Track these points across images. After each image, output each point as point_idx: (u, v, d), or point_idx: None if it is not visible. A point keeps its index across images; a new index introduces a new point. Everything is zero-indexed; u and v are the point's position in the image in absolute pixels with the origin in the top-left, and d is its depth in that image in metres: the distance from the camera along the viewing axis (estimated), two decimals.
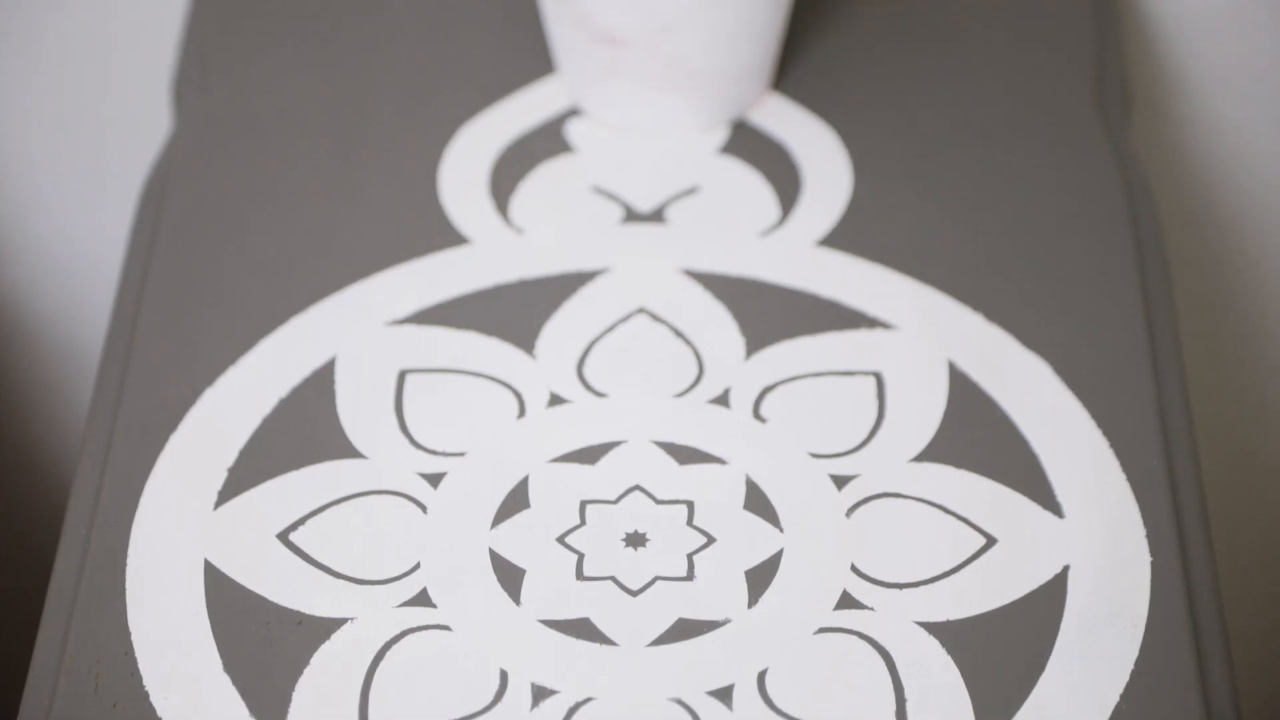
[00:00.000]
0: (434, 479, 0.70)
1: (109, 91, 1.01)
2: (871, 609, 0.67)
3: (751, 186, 0.80)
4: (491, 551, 0.68)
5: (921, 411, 0.72)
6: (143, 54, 1.00)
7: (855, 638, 0.66)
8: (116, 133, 1.02)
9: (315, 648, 0.66)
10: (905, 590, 0.67)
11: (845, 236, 0.78)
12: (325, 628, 0.66)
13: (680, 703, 0.64)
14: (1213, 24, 0.95)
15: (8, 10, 0.98)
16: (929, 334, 0.75)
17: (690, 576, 0.67)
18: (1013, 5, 0.88)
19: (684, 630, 0.66)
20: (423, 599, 0.67)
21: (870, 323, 0.75)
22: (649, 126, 0.81)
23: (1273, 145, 0.99)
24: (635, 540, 0.68)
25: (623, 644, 0.66)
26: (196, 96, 0.84)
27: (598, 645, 0.66)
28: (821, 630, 0.66)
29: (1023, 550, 0.68)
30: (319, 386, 0.73)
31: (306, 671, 0.65)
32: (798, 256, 0.77)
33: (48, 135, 1.03)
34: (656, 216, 0.79)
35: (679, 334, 0.75)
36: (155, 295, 0.76)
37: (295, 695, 0.65)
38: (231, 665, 0.65)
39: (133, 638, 0.66)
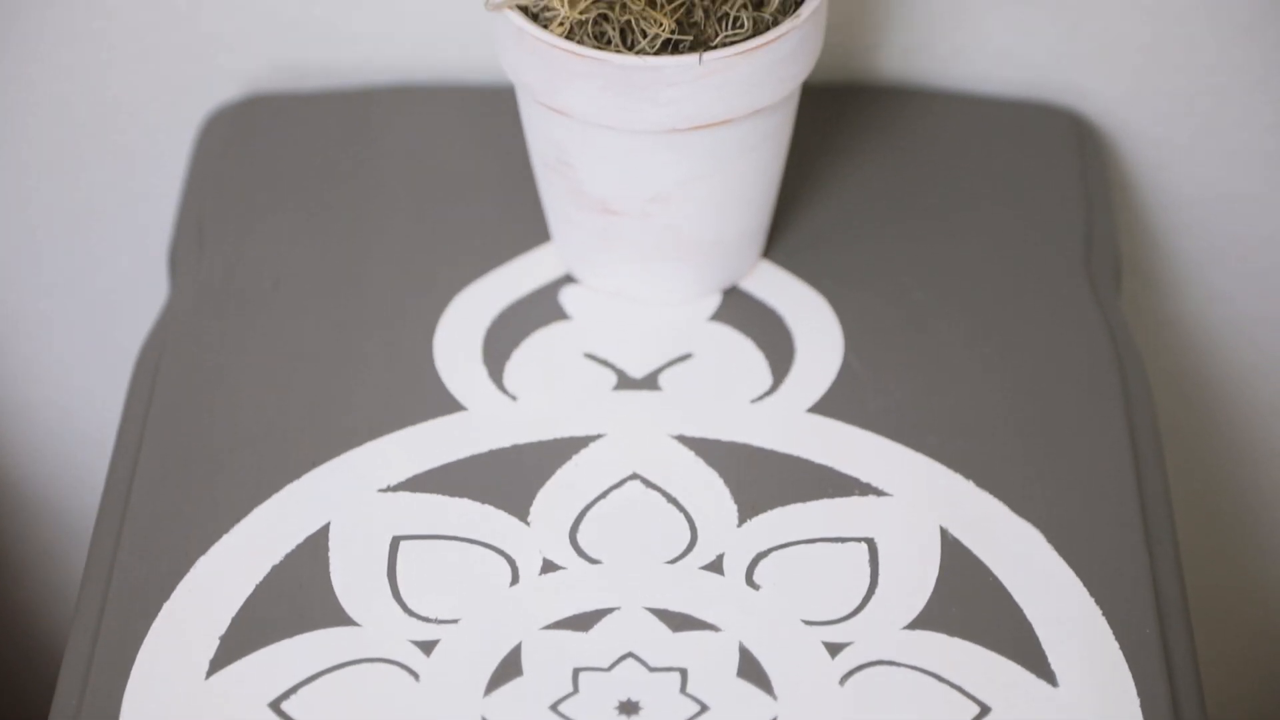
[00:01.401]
0: (426, 646, 0.70)
1: (106, 260, 1.02)
2: None
3: (744, 353, 0.81)
4: None
5: (914, 579, 0.72)
6: (140, 224, 1.01)
7: None
8: (113, 301, 1.03)
9: None
10: None
11: (837, 403, 0.78)
12: None
13: None
14: (1201, 196, 0.97)
15: (6, 180, 0.99)
16: (921, 501, 0.75)
17: None
18: (1002, 174, 0.89)
19: None
20: None
21: (862, 489, 0.75)
22: (642, 294, 0.82)
23: (1262, 314, 1.00)
24: (629, 708, 0.68)
25: None
26: (193, 265, 0.85)
27: None
28: None
29: (1017, 719, 0.68)
30: (312, 553, 0.73)
31: None
32: (790, 423, 0.78)
33: (45, 303, 1.03)
34: (650, 383, 0.79)
35: (672, 500, 0.75)
36: (150, 462, 0.77)
37: None
38: None
39: None
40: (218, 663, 0.70)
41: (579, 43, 0.73)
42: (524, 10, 0.74)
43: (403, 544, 0.73)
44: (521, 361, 0.80)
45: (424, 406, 0.78)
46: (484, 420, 0.78)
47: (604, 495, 0.75)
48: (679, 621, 0.71)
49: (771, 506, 0.75)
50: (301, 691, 0.69)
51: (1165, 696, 0.69)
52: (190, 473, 0.76)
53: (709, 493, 0.75)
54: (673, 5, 0.73)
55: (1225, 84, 0.93)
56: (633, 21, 0.73)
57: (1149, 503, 0.75)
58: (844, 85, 0.94)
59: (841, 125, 0.91)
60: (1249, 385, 1.02)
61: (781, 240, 0.85)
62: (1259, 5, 0.91)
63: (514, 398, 0.78)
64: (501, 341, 0.81)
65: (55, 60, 0.95)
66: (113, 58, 0.95)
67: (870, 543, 0.73)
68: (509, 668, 0.70)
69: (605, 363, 0.80)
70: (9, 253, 1.02)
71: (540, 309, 0.82)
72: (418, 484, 0.76)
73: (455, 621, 0.71)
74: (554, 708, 0.68)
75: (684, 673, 0.69)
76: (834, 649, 0.70)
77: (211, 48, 0.95)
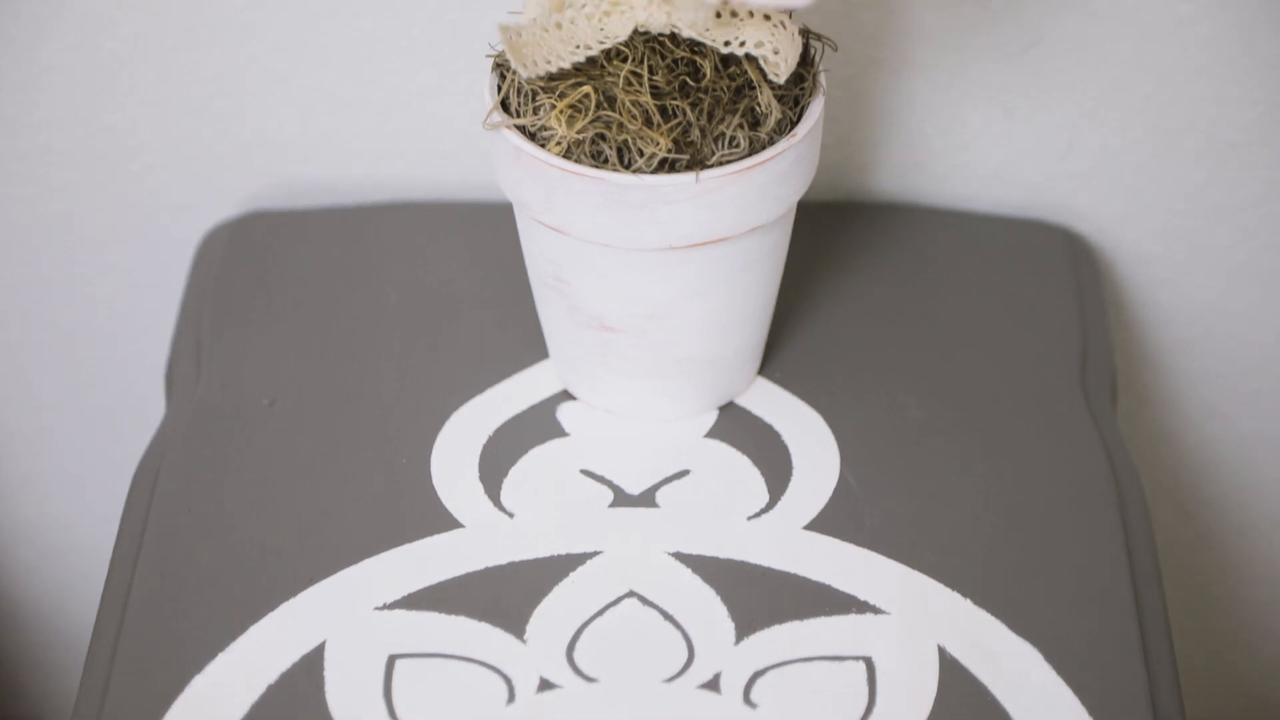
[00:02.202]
0: None
1: (103, 378, 1.02)
2: None
3: (740, 470, 0.81)
4: None
5: (912, 698, 0.72)
6: (137, 341, 1.01)
7: None
8: (110, 418, 1.03)
9: None
10: None
11: (834, 520, 0.78)
12: None
13: None
14: (1196, 313, 0.97)
15: (5, 296, 0.99)
16: (919, 619, 0.75)
17: None
18: (998, 291, 0.89)
19: None
20: None
21: (860, 607, 0.75)
22: (639, 411, 0.82)
23: (1259, 431, 1.00)
24: None
25: None
26: (189, 382, 0.85)
27: None
28: None
29: None
30: (308, 672, 0.73)
31: None
32: (787, 540, 0.78)
33: (42, 419, 1.03)
34: (647, 499, 0.79)
35: (669, 618, 0.75)
36: (145, 580, 0.77)
37: None
38: None
39: None
40: None
41: (576, 161, 0.74)
42: (522, 129, 0.75)
43: (399, 662, 0.73)
44: (519, 478, 0.80)
45: (420, 523, 0.78)
46: (480, 537, 0.78)
47: (601, 613, 0.75)
48: None
49: (769, 624, 0.74)
50: None
51: None
52: (186, 591, 0.76)
53: (706, 610, 0.75)
54: (669, 125, 0.73)
55: (1221, 202, 0.94)
56: (630, 141, 0.73)
57: (1147, 620, 0.75)
58: (839, 202, 0.94)
59: (837, 242, 0.91)
60: (1246, 502, 1.02)
61: (778, 356, 0.85)
62: (1253, 124, 0.92)
63: (511, 514, 0.78)
64: (499, 458, 0.81)
65: (54, 178, 0.96)
66: (111, 176, 0.96)
67: (868, 661, 0.73)
68: None
69: (602, 479, 0.80)
70: (7, 369, 1.02)
71: (538, 425, 0.82)
72: (414, 601, 0.75)
73: None
74: None
75: None
76: None
77: (210, 165, 0.95)
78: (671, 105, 0.73)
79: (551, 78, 0.74)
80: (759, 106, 0.75)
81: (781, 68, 0.73)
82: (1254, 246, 0.95)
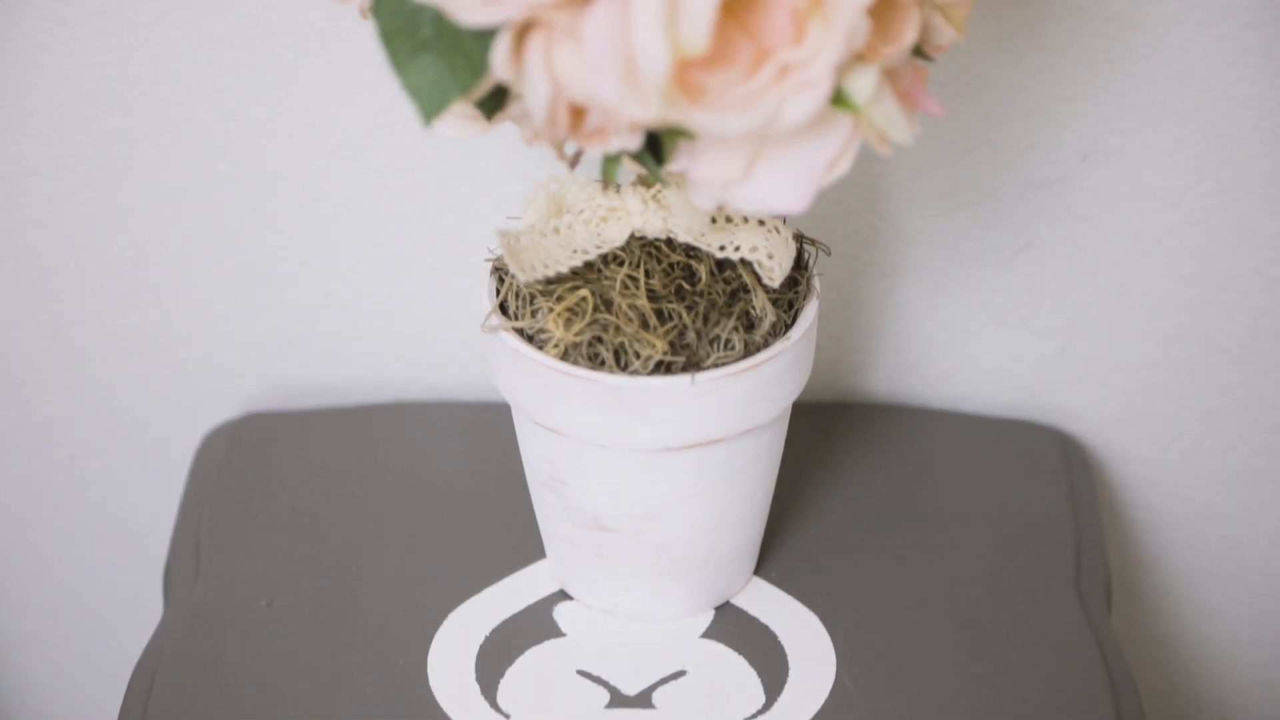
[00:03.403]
0: None
1: (101, 578, 1.02)
2: None
3: (737, 671, 0.80)
4: None
5: None
6: (136, 541, 1.01)
7: None
8: (107, 619, 1.03)
9: None
10: None
11: None
12: None
13: None
14: (1191, 516, 0.97)
15: (5, 495, 1.00)
16: None
17: None
18: (992, 492, 0.89)
19: None
20: None
21: None
22: (635, 611, 0.82)
23: (1254, 634, 1.00)
24: None
25: None
26: (188, 583, 0.85)
27: None
28: None
29: None
30: None
31: None
32: None
33: (40, 619, 1.03)
34: (643, 700, 0.79)
35: None
36: None
37: None
38: None
39: None
40: None
41: (573, 363, 0.74)
42: (519, 332, 0.76)
43: None
44: (515, 679, 0.80)
45: None
46: None
47: None
48: None
49: None
50: None
51: None
52: None
53: None
54: (666, 328, 0.74)
55: (1212, 405, 0.95)
56: (626, 343, 0.74)
57: None
58: (834, 403, 0.95)
59: (832, 442, 0.92)
60: (1241, 705, 1.02)
61: (774, 556, 0.85)
62: (1243, 329, 0.93)
63: (507, 716, 0.78)
64: (496, 658, 0.81)
65: (55, 380, 0.97)
66: (112, 378, 0.96)
67: None
68: None
69: (599, 680, 0.80)
70: (5, 568, 1.02)
71: (534, 625, 0.82)
72: None
73: None
74: None
75: None
76: None
77: (210, 367, 0.96)
78: (668, 308, 0.74)
79: (549, 281, 0.75)
80: (754, 310, 0.75)
81: (776, 272, 0.74)
82: (1246, 450, 0.95)
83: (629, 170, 0.69)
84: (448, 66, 0.58)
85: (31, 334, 0.95)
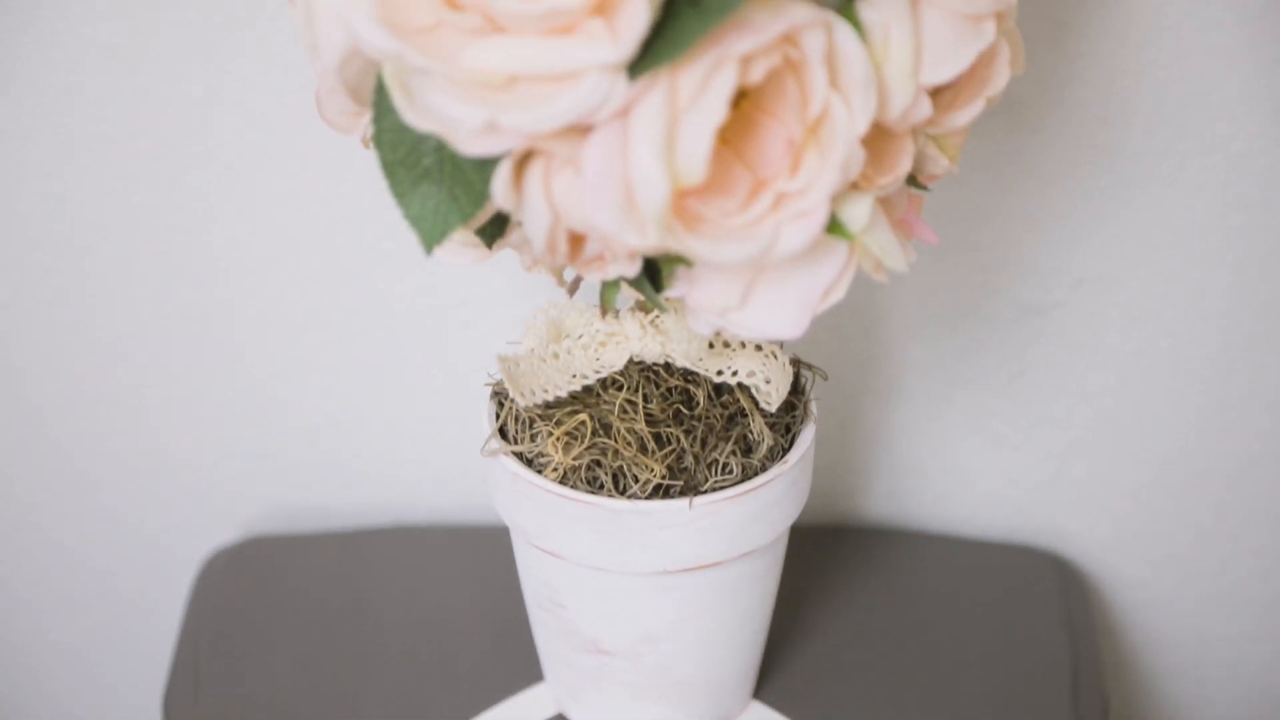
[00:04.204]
0: None
1: (99, 704, 1.02)
2: None
3: None
4: None
5: None
6: (135, 665, 1.01)
7: None
8: None
9: None
10: None
11: None
12: None
13: None
14: (1186, 639, 0.97)
15: (5, 620, 1.00)
16: None
17: None
18: (989, 616, 0.89)
19: None
20: None
21: None
22: None
23: None
24: None
25: None
26: (187, 706, 0.85)
27: None
28: None
29: None
30: None
31: None
32: None
33: None
34: None
35: None
36: None
37: None
38: None
39: None
40: None
41: (572, 487, 0.74)
42: (519, 456, 0.76)
43: None
44: None
45: None
46: None
47: None
48: None
49: None
50: None
51: None
52: None
53: None
54: (664, 452, 0.74)
55: (1209, 529, 0.95)
56: (625, 467, 0.74)
57: None
58: (831, 526, 0.95)
59: (829, 566, 0.92)
60: None
61: (772, 680, 0.85)
62: (1236, 453, 0.93)
63: None
64: None
65: (57, 503, 0.97)
66: (114, 502, 0.97)
67: None
68: None
69: None
70: (5, 686, 1.01)
71: None
72: None
73: None
74: None
75: None
76: None
77: (211, 491, 0.96)
78: (666, 432, 0.75)
79: (548, 405, 0.76)
80: (751, 434, 0.76)
81: (773, 397, 0.75)
82: (1241, 574, 0.96)
83: (627, 296, 0.70)
84: (449, 195, 0.58)
85: (34, 458, 0.96)
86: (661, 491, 0.74)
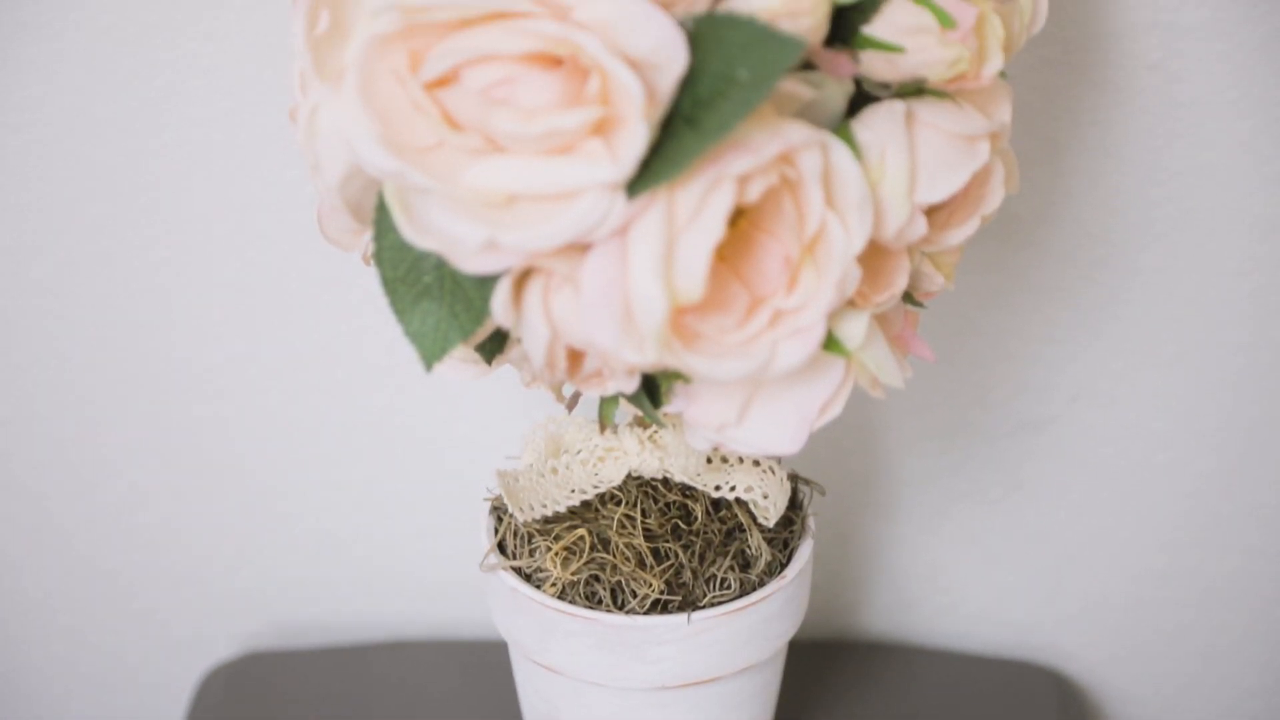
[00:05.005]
0: None
1: None
2: None
3: None
4: None
5: None
6: None
7: None
8: None
9: None
10: None
11: None
12: None
13: None
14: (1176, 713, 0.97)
15: None
16: None
17: None
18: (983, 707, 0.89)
19: None
20: None
21: None
22: None
23: None
24: None
25: None
26: None
27: None
28: None
29: None
30: None
31: None
32: None
33: None
34: None
35: None
36: None
37: None
38: None
39: None
40: None
41: (571, 602, 0.74)
42: (517, 571, 0.76)
43: None
44: None
45: None
46: None
47: None
48: None
49: None
50: None
51: None
52: None
53: None
54: (662, 567, 0.74)
55: (1208, 645, 0.95)
56: (623, 582, 0.74)
57: None
58: (829, 640, 0.95)
59: (828, 681, 0.92)
60: None
61: None
62: (1237, 570, 0.93)
63: None
64: None
65: (55, 620, 0.97)
66: (111, 618, 0.96)
67: None
68: None
69: None
70: None
71: None
72: None
73: None
74: None
75: None
76: None
77: (209, 607, 0.96)
78: (664, 547, 0.75)
79: (547, 520, 0.76)
80: (749, 549, 0.76)
81: (771, 512, 0.75)
82: (1241, 690, 0.95)
83: (625, 411, 0.70)
84: (449, 312, 0.59)
85: (33, 574, 0.96)
86: (660, 606, 0.74)
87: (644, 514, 0.75)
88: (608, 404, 0.67)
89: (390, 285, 0.59)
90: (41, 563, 0.95)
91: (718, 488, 0.75)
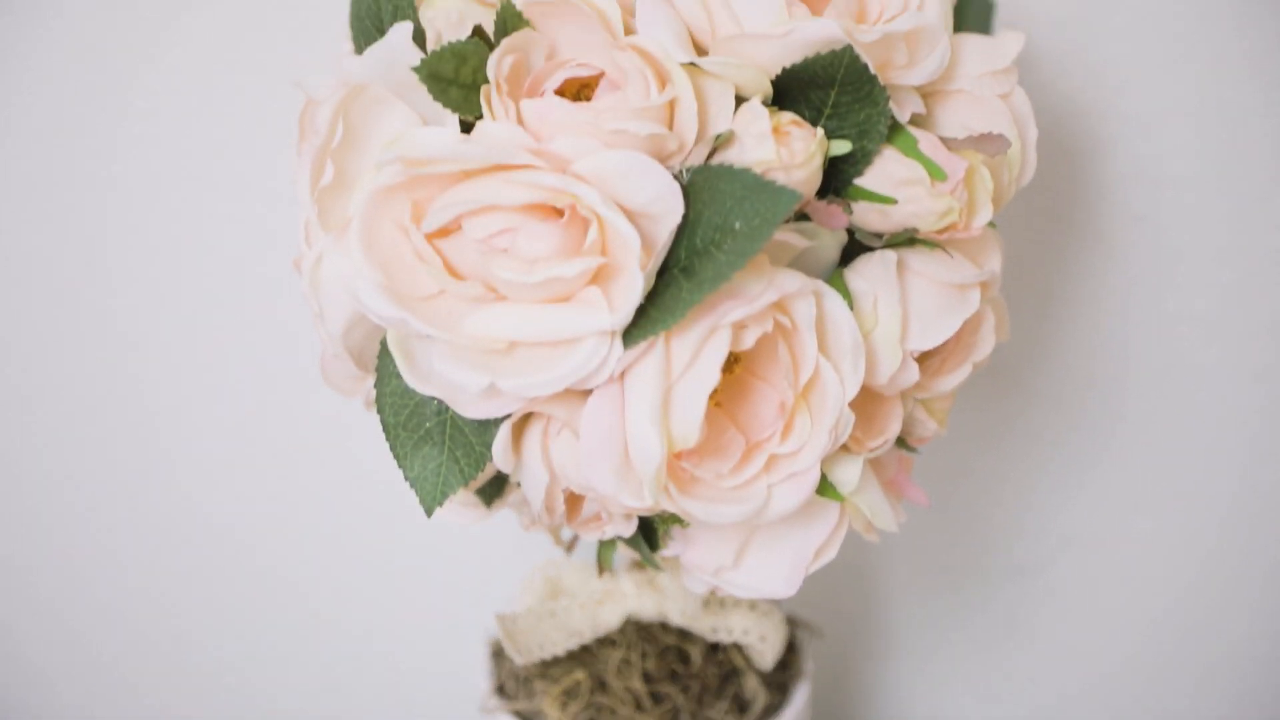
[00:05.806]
0: None
1: None
2: None
3: None
4: None
5: None
6: None
7: None
8: None
9: None
10: None
11: None
12: None
13: None
14: None
15: None
16: None
17: None
18: None
19: None
20: None
21: None
22: None
23: None
24: None
25: None
26: None
27: None
28: None
29: None
30: None
31: None
32: None
33: None
34: None
35: None
36: None
37: None
38: None
39: None
40: None
41: None
42: (517, 714, 0.76)
43: None
44: None
45: None
46: None
47: None
48: None
49: None
50: None
51: None
52: None
53: None
54: (660, 710, 0.74)
55: None
56: None
57: None
58: None
59: None
60: None
61: None
62: (1229, 710, 0.93)
63: None
64: None
65: None
66: None
67: None
68: None
69: None
70: None
71: None
72: None
73: None
74: None
75: None
76: None
77: None
78: (662, 690, 0.75)
79: (546, 663, 0.76)
80: (746, 692, 0.76)
81: (767, 655, 0.75)
82: None
83: (623, 554, 0.71)
84: (450, 457, 0.59)
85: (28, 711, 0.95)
86: None
87: (642, 656, 0.75)
88: (606, 547, 0.68)
89: (392, 431, 0.60)
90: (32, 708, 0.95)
91: (715, 630, 0.75)
